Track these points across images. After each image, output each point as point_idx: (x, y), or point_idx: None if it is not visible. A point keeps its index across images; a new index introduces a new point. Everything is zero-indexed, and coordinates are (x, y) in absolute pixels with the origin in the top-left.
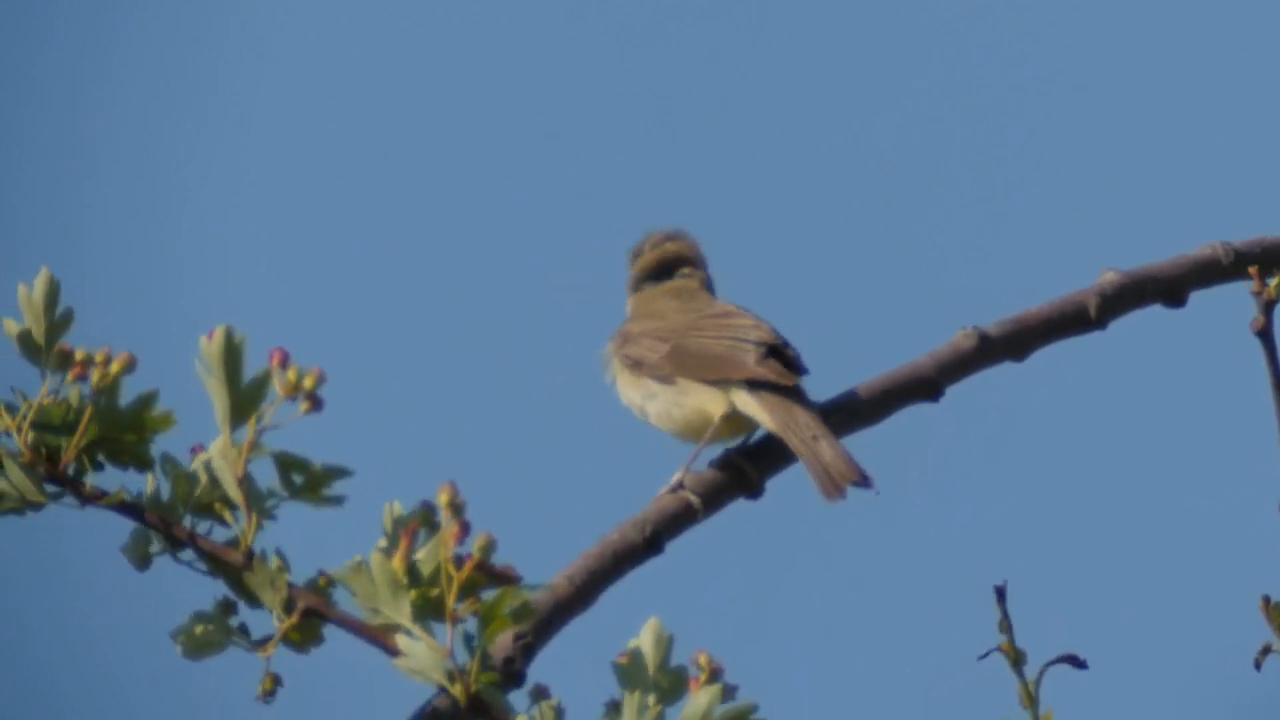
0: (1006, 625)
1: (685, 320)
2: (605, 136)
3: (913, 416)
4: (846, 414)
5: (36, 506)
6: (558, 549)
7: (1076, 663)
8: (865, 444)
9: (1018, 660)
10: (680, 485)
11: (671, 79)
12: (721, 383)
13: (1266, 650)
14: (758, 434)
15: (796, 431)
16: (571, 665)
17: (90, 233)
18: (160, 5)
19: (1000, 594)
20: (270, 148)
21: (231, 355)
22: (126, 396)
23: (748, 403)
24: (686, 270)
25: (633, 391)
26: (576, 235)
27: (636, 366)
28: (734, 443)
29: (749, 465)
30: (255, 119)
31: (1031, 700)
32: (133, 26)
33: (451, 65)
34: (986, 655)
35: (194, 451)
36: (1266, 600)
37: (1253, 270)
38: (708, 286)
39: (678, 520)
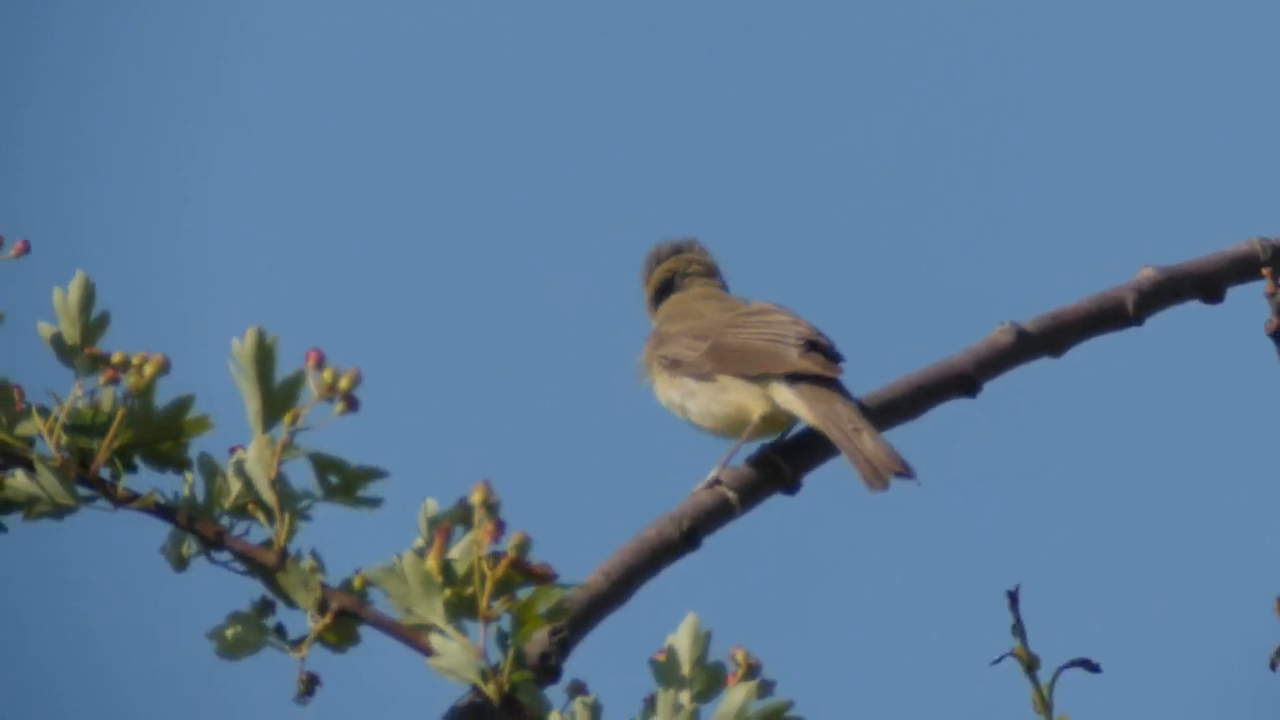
0: (1020, 630)
1: (723, 318)
2: (634, 134)
3: (950, 412)
4: (884, 410)
5: (69, 510)
6: (595, 545)
7: (1090, 666)
8: (902, 440)
9: (1031, 665)
10: (717, 481)
11: (708, 78)
12: (762, 378)
13: None
14: (794, 430)
15: (838, 424)
16: (607, 661)
17: (92, 232)
18: (160, 5)
19: (1013, 599)
20: (287, 145)
21: (263, 356)
22: (162, 398)
23: (788, 397)
24: (706, 280)
25: (671, 391)
26: (612, 230)
27: (674, 366)
28: (771, 439)
29: (784, 461)
30: (261, 119)
31: (1045, 705)
32: (133, 26)
33: (453, 65)
34: (999, 661)
35: (233, 452)
36: None
37: (1266, 271)
38: (724, 290)
39: (715, 516)
